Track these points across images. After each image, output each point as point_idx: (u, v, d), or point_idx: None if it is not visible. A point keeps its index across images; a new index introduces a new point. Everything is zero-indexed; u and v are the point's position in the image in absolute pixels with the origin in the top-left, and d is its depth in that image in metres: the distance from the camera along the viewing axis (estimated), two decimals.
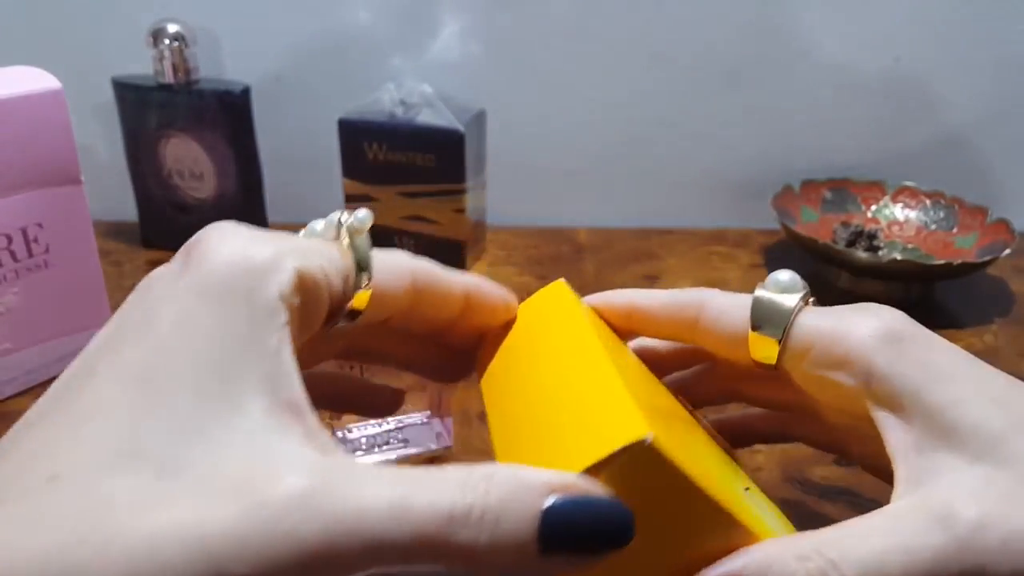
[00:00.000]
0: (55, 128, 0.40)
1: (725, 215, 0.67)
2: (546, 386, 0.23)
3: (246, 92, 0.56)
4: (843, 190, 0.63)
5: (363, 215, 0.24)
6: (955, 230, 0.59)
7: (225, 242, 0.20)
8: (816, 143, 0.65)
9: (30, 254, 0.40)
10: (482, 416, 0.37)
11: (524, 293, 0.29)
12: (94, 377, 0.19)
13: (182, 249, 0.21)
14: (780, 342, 0.25)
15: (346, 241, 0.23)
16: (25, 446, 0.18)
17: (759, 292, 0.26)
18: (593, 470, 0.19)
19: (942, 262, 0.51)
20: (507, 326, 0.28)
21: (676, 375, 0.31)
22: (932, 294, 0.56)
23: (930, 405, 0.22)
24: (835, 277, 0.56)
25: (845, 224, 0.60)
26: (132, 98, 0.56)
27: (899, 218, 0.62)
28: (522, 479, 0.18)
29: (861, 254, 0.52)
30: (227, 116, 0.55)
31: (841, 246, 0.56)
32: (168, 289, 0.20)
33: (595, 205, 0.68)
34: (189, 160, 0.57)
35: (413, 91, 0.55)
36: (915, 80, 0.63)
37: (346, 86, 0.62)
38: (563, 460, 0.19)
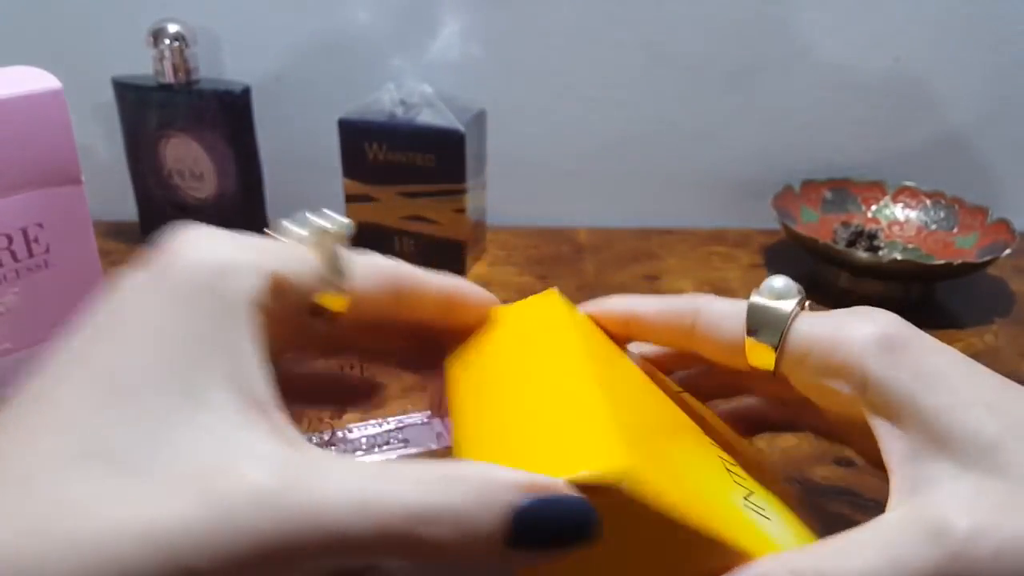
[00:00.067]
0: (55, 128, 0.40)
1: (725, 215, 0.67)
2: (525, 395, 0.23)
3: (246, 92, 0.56)
4: (843, 190, 0.63)
5: (344, 222, 0.24)
6: (955, 230, 0.59)
7: (195, 244, 0.20)
8: (816, 143, 0.65)
9: (30, 254, 0.40)
10: None
11: (524, 293, 0.29)
12: (57, 379, 0.19)
13: (152, 250, 0.21)
14: (777, 349, 0.25)
15: (323, 245, 0.23)
16: None
17: (754, 299, 0.26)
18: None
19: (942, 262, 0.51)
20: (487, 325, 0.28)
21: (681, 373, 0.31)
22: (932, 294, 0.56)
23: (924, 412, 0.22)
24: (835, 277, 0.56)
25: (845, 224, 0.60)
26: (132, 98, 0.56)
27: (899, 218, 0.62)
28: (491, 477, 0.18)
29: (861, 254, 0.52)
30: (227, 116, 0.55)
31: (841, 246, 0.56)
32: (136, 291, 0.20)
33: (595, 205, 0.68)
34: (189, 160, 0.57)
35: (413, 91, 0.55)
36: (915, 80, 0.63)
37: (346, 86, 0.61)
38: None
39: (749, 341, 0.25)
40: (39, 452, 0.17)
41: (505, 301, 0.29)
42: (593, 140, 0.65)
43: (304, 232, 0.24)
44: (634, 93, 0.64)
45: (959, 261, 0.51)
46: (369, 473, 0.18)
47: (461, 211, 0.56)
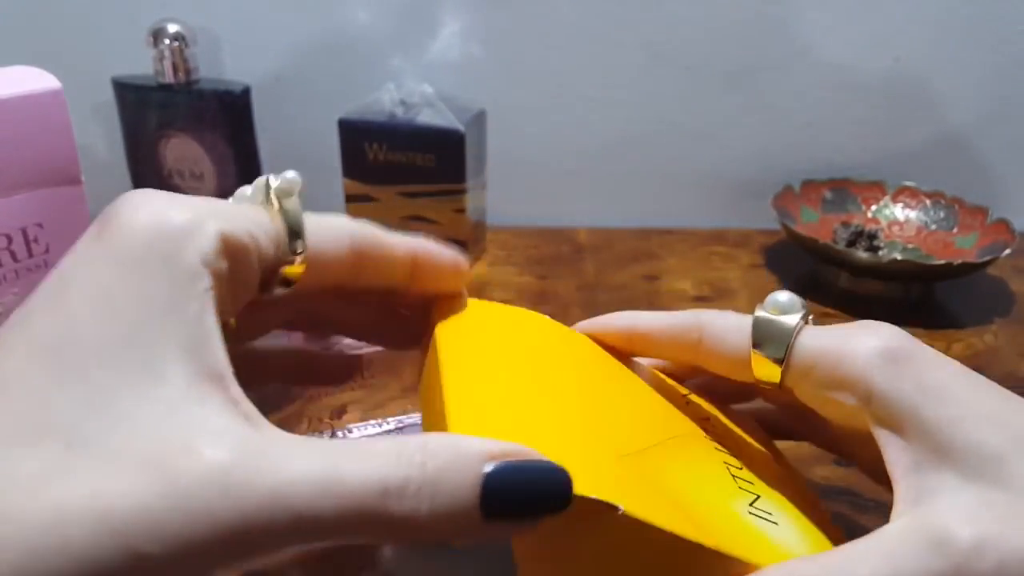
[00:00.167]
0: (55, 128, 0.40)
1: (725, 215, 0.67)
2: (507, 402, 0.23)
3: (246, 92, 0.56)
4: (843, 190, 0.63)
5: (291, 176, 0.23)
6: (955, 230, 0.59)
7: (141, 207, 0.19)
8: (816, 143, 0.65)
9: (30, 254, 0.40)
10: None
11: (524, 293, 0.29)
12: (5, 353, 0.18)
13: (98, 218, 0.20)
14: (782, 362, 0.25)
15: (276, 205, 0.22)
16: None
17: (759, 313, 0.26)
18: None
19: (942, 262, 0.51)
20: (461, 302, 0.27)
21: (692, 380, 0.32)
22: (932, 294, 0.56)
23: (928, 424, 0.22)
24: (835, 277, 0.56)
25: (845, 224, 0.60)
26: (132, 98, 0.56)
27: (899, 218, 0.62)
28: (459, 447, 0.18)
29: (861, 254, 0.52)
30: (227, 116, 0.55)
31: (841, 246, 0.56)
32: (81, 258, 0.19)
33: (595, 205, 0.68)
34: (189, 160, 0.57)
35: (413, 91, 0.55)
36: (915, 80, 0.63)
37: (346, 86, 0.62)
38: None
39: (755, 355, 0.26)
40: None
41: (505, 302, 0.29)
42: (593, 140, 0.65)
43: (252, 191, 0.23)
44: (634, 93, 0.64)
45: (959, 261, 0.51)
46: (333, 450, 0.17)
47: (461, 211, 0.56)
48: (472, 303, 0.28)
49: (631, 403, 0.27)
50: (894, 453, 0.23)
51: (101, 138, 0.63)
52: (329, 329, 0.29)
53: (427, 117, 0.54)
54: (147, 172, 0.58)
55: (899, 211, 0.62)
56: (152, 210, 0.19)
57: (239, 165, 0.57)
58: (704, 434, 0.28)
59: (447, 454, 0.18)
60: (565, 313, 0.48)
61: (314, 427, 0.38)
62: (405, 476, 0.17)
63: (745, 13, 0.61)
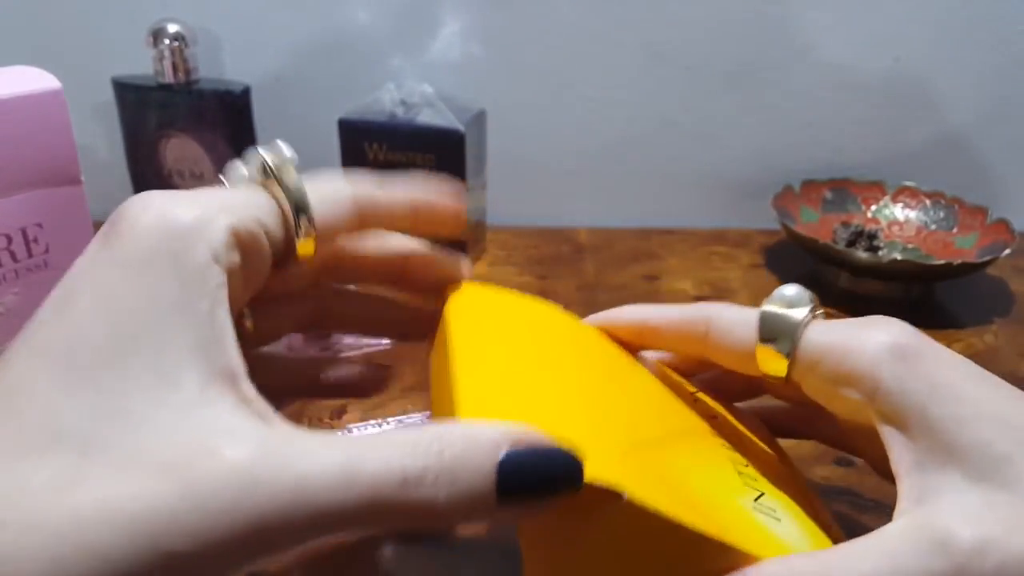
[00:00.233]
0: (55, 128, 0.40)
1: (725, 215, 0.67)
2: (520, 390, 0.23)
3: (246, 92, 0.56)
4: (843, 190, 0.63)
5: (285, 150, 0.23)
6: (955, 230, 0.59)
7: (147, 208, 0.19)
8: (816, 143, 0.65)
9: (30, 254, 0.40)
10: None
11: (525, 293, 0.29)
12: (15, 362, 0.18)
13: (104, 224, 0.20)
14: (789, 356, 0.25)
15: (278, 184, 0.22)
16: None
17: (766, 307, 0.26)
18: None
19: (942, 262, 0.51)
20: (472, 288, 0.28)
21: (701, 376, 0.32)
22: (932, 294, 0.56)
23: (935, 422, 0.22)
24: (835, 277, 0.56)
25: (845, 224, 0.60)
26: (132, 98, 0.56)
27: (899, 218, 0.62)
28: (473, 435, 0.18)
29: (861, 254, 0.52)
30: (227, 116, 0.55)
31: (841, 246, 0.56)
32: (87, 265, 0.19)
33: (595, 205, 0.68)
34: (189, 160, 0.57)
35: (413, 91, 0.55)
36: (915, 80, 0.63)
37: (346, 86, 0.62)
38: None
39: (761, 348, 0.26)
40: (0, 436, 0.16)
41: None
42: (593, 140, 0.65)
43: (249, 169, 0.23)
44: (634, 93, 0.64)
45: (959, 261, 0.51)
46: (349, 443, 0.17)
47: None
48: (484, 289, 0.28)
49: (640, 396, 0.27)
50: (899, 450, 0.23)
51: (101, 138, 0.63)
52: (341, 326, 0.29)
53: (427, 117, 0.54)
54: (147, 172, 0.58)
55: (899, 211, 0.62)
56: (158, 210, 0.19)
57: None
58: (711, 430, 0.28)
59: (463, 442, 0.18)
60: None
61: (314, 427, 0.38)
62: (423, 466, 0.17)
63: (745, 13, 0.61)
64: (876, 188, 0.63)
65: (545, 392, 0.23)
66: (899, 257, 0.53)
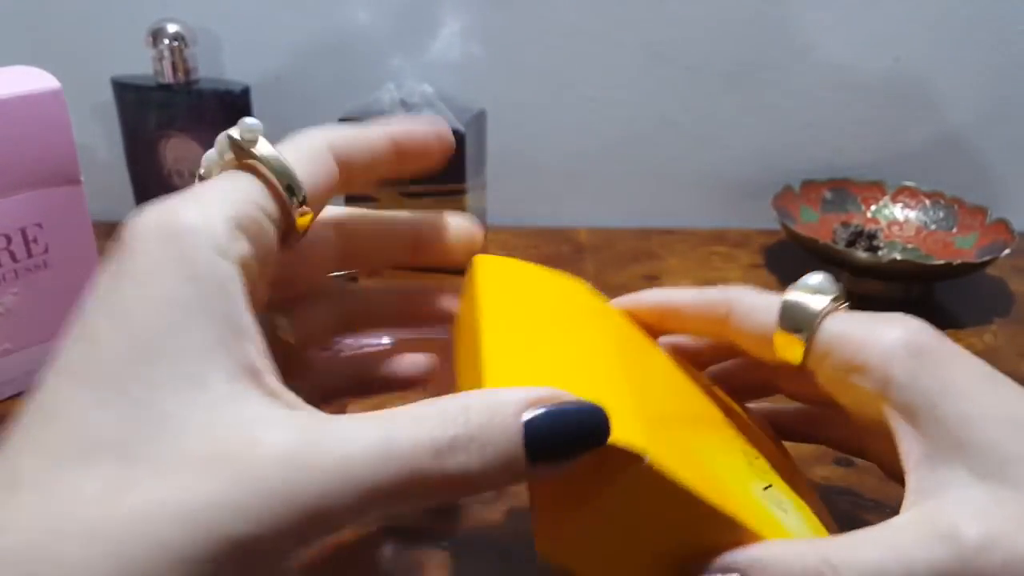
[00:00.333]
0: (55, 128, 0.40)
1: (725, 215, 0.67)
2: (549, 361, 0.23)
3: (246, 92, 0.56)
4: (843, 190, 0.63)
5: (250, 123, 0.23)
6: (955, 230, 0.59)
7: (147, 219, 0.20)
8: (816, 143, 0.65)
9: (29, 254, 0.40)
10: None
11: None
12: (44, 386, 0.18)
13: (113, 244, 0.20)
14: (805, 343, 0.25)
15: (257, 160, 0.22)
16: None
17: (788, 294, 0.26)
18: None
19: (942, 262, 0.51)
20: (499, 261, 0.28)
21: (714, 367, 0.32)
22: (932, 294, 0.56)
23: (945, 418, 0.22)
24: (835, 277, 0.56)
25: (845, 224, 0.60)
26: (132, 98, 0.56)
27: (899, 218, 0.62)
28: (497, 401, 0.19)
29: (861, 254, 0.52)
30: (227, 116, 0.55)
31: (841, 246, 0.56)
32: (99, 286, 0.19)
33: (595, 205, 0.68)
34: (189, 160, 0.57)
35: (413, 91, 0.55)
36: (915, 80, 0.63)
37: (346, 86, 0.62)
38: None
39: (778, 334, 0.26)
40: (34, 454, 0.17)
41: None
42: (593, 140, 0.65)
43: (228, 157, 0.23)
44: (634, 93, 0.64)
45: (958, 261, 0.51)
46: (382, 421, 0.18)
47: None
48: (511, 261, 0.28)
49: (662, 377, 0.27)
50: (908, 443, 0.23)
51: (101, 138, 0.63)
52: (378, 323, 0.30)
53: None
54: (147, 172, 0.58)
55: (899, 211, 0.62)
56: (157, 218, 0.20)
57: None
58: (726, 420, 0.28)
59: (488, 409, 0.18)
60: None
61: None
62: (453, 435, 0.18)
63: (745, 13, 0.61)
64: (876, 188, 0.63)
65: (571, 362, 0.23)
66: (899, 257, 0.53)
